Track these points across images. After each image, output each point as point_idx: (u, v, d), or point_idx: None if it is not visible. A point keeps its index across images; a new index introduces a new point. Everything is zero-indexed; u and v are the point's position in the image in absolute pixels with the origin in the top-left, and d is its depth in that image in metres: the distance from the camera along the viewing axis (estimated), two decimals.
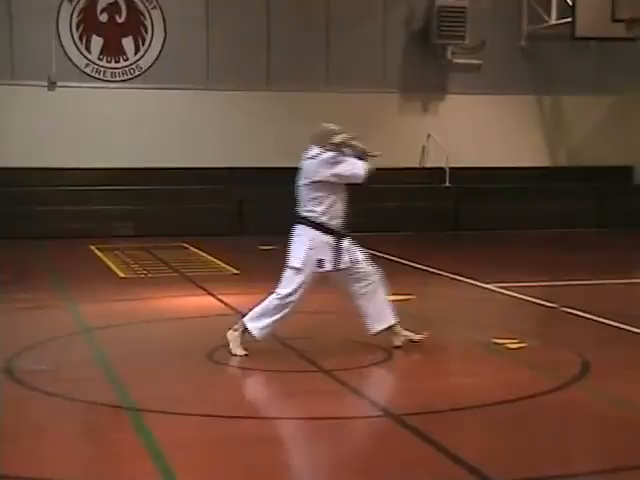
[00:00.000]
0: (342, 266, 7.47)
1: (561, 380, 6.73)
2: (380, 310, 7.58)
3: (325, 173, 7.44)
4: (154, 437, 5.46)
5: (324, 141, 7.57)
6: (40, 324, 8.97)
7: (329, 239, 7.45)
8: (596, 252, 14.96)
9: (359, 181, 7.50)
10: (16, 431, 5.65)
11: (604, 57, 18.76)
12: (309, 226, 7.49)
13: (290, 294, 7.41)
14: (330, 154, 7.48)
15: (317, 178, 7.46)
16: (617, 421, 5.86)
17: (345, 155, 7.52)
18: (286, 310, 7.45)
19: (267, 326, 7.46)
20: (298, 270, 7.40)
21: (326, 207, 7.47)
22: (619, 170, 19.21)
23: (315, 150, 7.56)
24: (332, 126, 7.73)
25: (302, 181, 7.60)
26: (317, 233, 7.45)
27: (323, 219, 7.46)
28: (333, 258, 7.44)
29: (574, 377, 6.81)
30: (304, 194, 7.58)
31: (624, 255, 14.79)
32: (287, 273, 7.47)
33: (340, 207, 7.54)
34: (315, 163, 7.49)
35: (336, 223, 7.49)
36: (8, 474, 4.89)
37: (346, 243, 7.52)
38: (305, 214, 7.54)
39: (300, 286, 7.40)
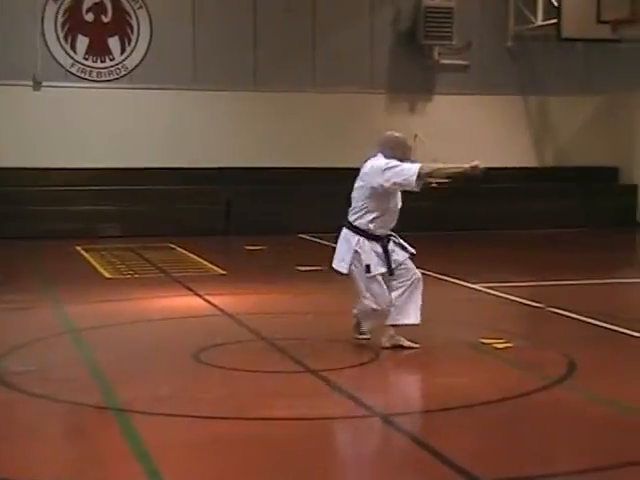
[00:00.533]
0: (394, 265, 7.54)
1: (548, 380, 6.74)
2: (407, 305, 7.60)
3: (378, 180, 7.42)
4: (141, 438, 5.45)
5: (383, 148, 7.58)
6: (27, 325, 8.94)
7: (374, 245, 7.52)
8: (583, 252, 15.00)
9: (411, 187, 7.38)
10: (3, 432, 5.63)
11: (590, 58, 18.82)
12: (354, 231, 7.53)
13: (369, 301, 7.56)
14: (384, 161, 7.47)
15: (372, 185, 7.45)
16: (603, 421, 5.87)
17: (400, 161, 7.46)
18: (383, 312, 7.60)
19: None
20: (348, 275, 7.55)
21: (375, 216, 7.50)
22: (605, 170, 19.27)
23: (377, 157, 7.56)
24: (396, 133, 7.71)
25: (358, 185, 7.60)
26: (362, 239, 7.51)
27: (370, 227, 7.51)
28: (383, 261, 7.51)
29: (560, 377, 6.82)
30: (356, 199, 7.58)
31: (610, 255, 14.85)
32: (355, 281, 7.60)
33: (390, 218, 7.58)
34: (372, 169, 7.49)
35: (382, 232, 7.55)
36: None
37: (391, 245, 7.58)
38: (352, 218, 7.56)
39: (372, 289, 7.52)
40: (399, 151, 7.58)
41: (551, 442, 5.49)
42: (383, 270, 7.52)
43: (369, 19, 18.18)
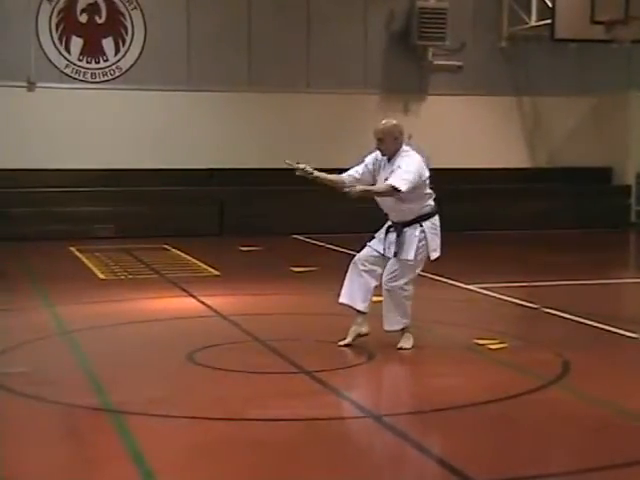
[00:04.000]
0: (387, 254, 7.61)
1: (542, 380, 6.74)
2: (386, 313, 7.66)
3: None
4: (136, 439, 5.44)
5: (388, 137, 7.71)
6: (20, 326, 8.91)
7: (388, 223, 7.72)
8: (576, 252, 15.01)
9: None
10: None
11: (584, 58, 18.83)
12: None
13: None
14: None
15: None
16: (597, 422, 5.88)
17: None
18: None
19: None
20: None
21: None
22: (599, 171, 19.30)
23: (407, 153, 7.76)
24: (393, 121, 7.75)
25: None
26: None
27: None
28: (381, 241, 7.68)
29: (555, 377, 6.83)
30: None
31: (604, 255, 14.86)
32: None
33: (384, 207, 7.72)
34: None
35: (388, 215, 7.72)
36: None
37: (392, 238, 7.61)
38: None
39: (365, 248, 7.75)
40: (401, 138, 7.63)
41: (545, 443, 5.50)
42: (375, 246, 7.68)
43: (363, 20, 18.19)
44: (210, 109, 17.48)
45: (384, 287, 7.61)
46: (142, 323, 8.98)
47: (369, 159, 7.78)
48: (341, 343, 7.72)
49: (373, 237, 7.82)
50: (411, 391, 6.92)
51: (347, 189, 7.58)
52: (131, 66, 17.28)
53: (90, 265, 12.92)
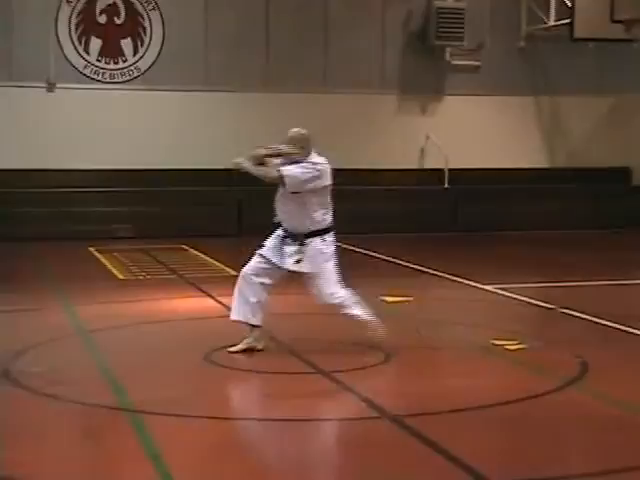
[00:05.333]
0: (284, 266, 7.55)
1: (560, 381, 6.73)
2: (365, 327, 7.63)
3: None
4: (153, 439, 5.46)
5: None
6: (38, 326, 8.95)
7: (279, 232, 7.66)
8: (594, 253, 14.97)
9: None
10: (15, 433, 5.65)
11: (603, 58, 18.75)
12: None
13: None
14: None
15: None
16: (616, 422, 5.86)
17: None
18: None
19: None
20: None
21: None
22: (617, 171, 19.23)
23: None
24: (302, 130, 7.94)
25: None
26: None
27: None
28: (276, 251, 7.59)
29: (573, 378, 6.82)
30: None
31: (622, 256, 14.80)
32: None
33: (278, 207, 7.70)
34: None
35: (280, 221, 7.66)
36: (7, 476, 4.89)
37: (291, 248, 7.53)
38: None
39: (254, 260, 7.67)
40: (308, 147, 7.74)
41: (563, 444, 5.49)
42: (269, 256, 7.63)
43: (381, 20, 18.17)
44: (228, 109, 17.51)
45: (338, 309, 7.59)
46: (160, 323, 9.01)
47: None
48: (230, 350, 7.59)
49: (262, 245, 7.72)
50: (428, 391, 6.91)
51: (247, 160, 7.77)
52: (149, 67, 17.34)
53: (109, 265, 12.97)
